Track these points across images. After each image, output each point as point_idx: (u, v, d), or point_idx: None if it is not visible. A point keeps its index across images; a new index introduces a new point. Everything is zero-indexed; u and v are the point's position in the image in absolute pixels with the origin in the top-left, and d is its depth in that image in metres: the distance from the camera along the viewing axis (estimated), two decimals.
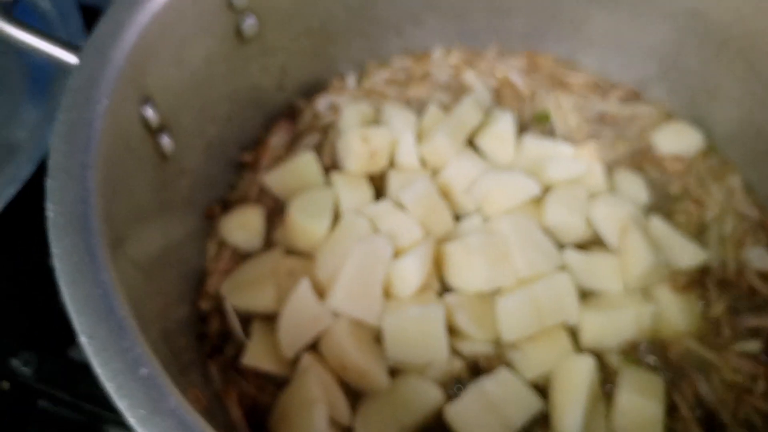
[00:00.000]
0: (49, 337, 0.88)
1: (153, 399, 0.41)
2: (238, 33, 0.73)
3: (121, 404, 0.41)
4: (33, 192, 0.81)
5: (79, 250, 0.47)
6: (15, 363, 0.80)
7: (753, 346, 0.72)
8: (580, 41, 0.90)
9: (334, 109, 0.88)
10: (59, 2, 0.99)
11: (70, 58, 0.60)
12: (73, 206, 0.49)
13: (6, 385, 0.84)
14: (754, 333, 0.73)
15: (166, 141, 0.66)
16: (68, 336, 0.88)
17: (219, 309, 0.73)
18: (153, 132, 0.63)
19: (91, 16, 0.96)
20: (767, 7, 0.72)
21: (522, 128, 0.86)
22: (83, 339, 0.43)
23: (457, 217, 0.78)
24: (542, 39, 0.92)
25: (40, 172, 0.82)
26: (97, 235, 0.48)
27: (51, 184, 0.50)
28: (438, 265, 0.73)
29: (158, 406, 0.41)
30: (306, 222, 0.75)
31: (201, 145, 0.74)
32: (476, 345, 0.69)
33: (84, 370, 0.79)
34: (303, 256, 0.75)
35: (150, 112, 0.62)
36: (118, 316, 0.44)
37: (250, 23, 0.73)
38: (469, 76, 0.90)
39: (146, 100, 0.61)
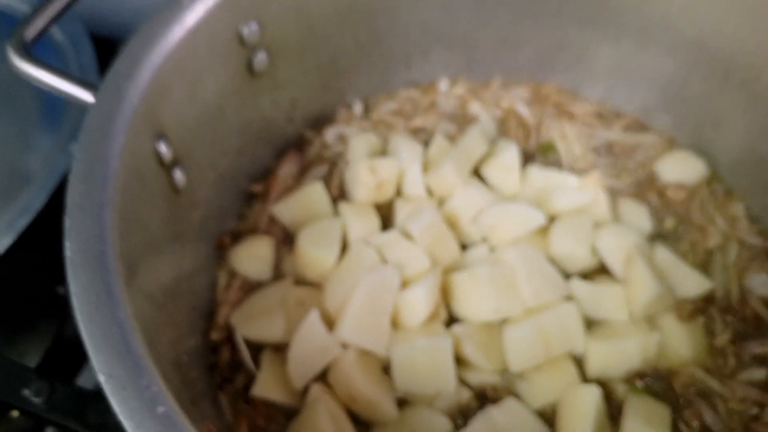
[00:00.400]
0: (59, 365, 0.89)
1: None
2: (250, 68, 0.75)
3: None
4: (44, 221, 0.83)
5: (96, 288, 0.48)
6: (27, 393, 0.81)
7: (759, 374, 0.72)
8: (585, 72, 0.92)
9: (342, 139, 0.90)
10: (72, 34, 1.01)
11: (86, 96, 0.61)
12: (91, 244, 0.50)
13: (15, 413, 0.85)
14: (760, 361, 0.73)
15: (178, 175, 0.67)
16: (77, 364, 0.89)
17: (229, 339, 0.74)
18: (166, 167, 0.65)
19: (102, 47, 0.98)
20: None
21: (527, 158, 0.87)
22: (102, 378, 0.44)
23: (464, 247, 0.79)
24: (547, 70, 0.94)
25: (52, 201, 0.84)
26: (114, 272, 0.50)
27: (69, 222, 0.51)
28: (445, 295, 0.74)
29: None
30: (315, 252, 0.76)
31: (212, 177, 0.76)
32: (484, 375, 0.70)
33: (94, 399, 0.80)
34: (312, 286, 0.76)
35: (164, 148, 0.63)
36: (136, 354, 0.45)
37: (261, 58, 0.75)
38: (475, 107, 0.92)
39: (160, 136, 0.63)
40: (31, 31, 0.66)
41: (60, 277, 0.96)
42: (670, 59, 0.85)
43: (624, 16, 0.83)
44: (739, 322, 0.76)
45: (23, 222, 0.82)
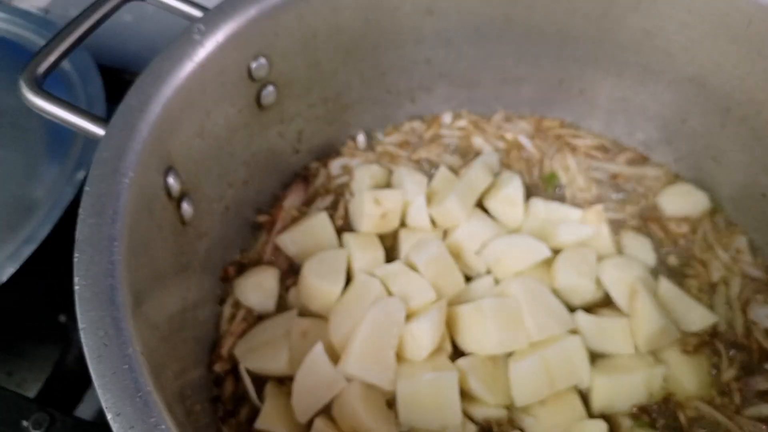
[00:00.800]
0: (59, 394, 0.88)
1: None
2: (258, 102, 0.76)
3: None
4: (48, 251, 0.83)
5: (105, 324, 0.48)
6: (26, 424, 0.80)
7: (766, 410, 0.72)
8: (587, 107, 0.93)
9: (347, 171, 0.90)
10: (80, 64, 1.02)
11: (97, 130, 0.62)
12: (100, 280, 0.50)
13: None
14: (766, 396, 0.73)
15: (186, 207, 0.68)
16: (78, 393, 0.89)
17: (233, 372, 0.74)
18: (174, 199, 0.65)
19: (110, 77, 1.00)
20: None
21: (531, 190, 0.88)
22: (110, 416, 0.44)
23: (468, 278, 0.79)
24: (549, 105, 0.95)
25: (56, 230, 0.84)
26: (123, 308, 0.50)
27: (79, 257, 0.51)
28: (450, 328, 0.74)
29: None
30: (320, 284, 0.76)
31: (219, 209, 0.76)
32: (489, 410, 0.70)
33: (93, 430, 0.79)
34: (317, 317, 0.76)
35: (172, 181, 0.64)
36: (144, 392, 0.45)
37: (268, 92, 0.76)
38: (478, 140, 0.93)
39: (169, 169, 0.63)
40: (43, 66, 0.67)
41: (62, 305, 0.95)
42: (670, 95, 0.86)
43: (625, 53, 0.84)
44: (745, 356, 0.76)
45: (27, 251, 0.82)
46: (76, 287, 0.50)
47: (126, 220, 0.55)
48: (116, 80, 0.98)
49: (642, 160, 0.93)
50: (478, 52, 0.88)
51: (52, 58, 0.67)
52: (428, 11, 0.82)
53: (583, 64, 0.88)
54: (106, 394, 0.45)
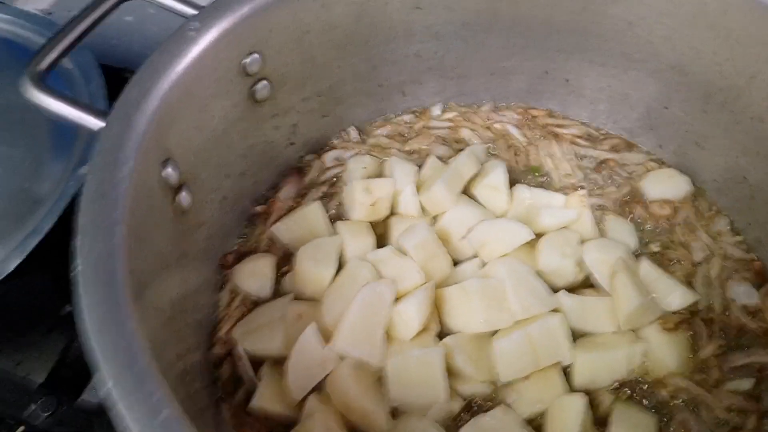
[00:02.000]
0: (64, 382, 0.91)
1: None
2: (252, 96, 0.79)
3: None
4: (53, 244, 0.86)
5: (106, 301, 0.51)
6: (33, 408, 0.83)
7: (745, 384, 0.75)
8: (573, 96, 0.96)
9: (341, 163, 0.93)
10: (82, 63, 1.05)
11: (98, 123, 0.65)
12: (101, 261, 0.53)
13: (20, 430, 0.87)
14: (744, 370, 0.76)
15: (184, 197, 0.71)
16: (83, 381, 0.91)
17: (231, 355, 0.77)
18: (173, 189, 0.68)
19: (111, 75, 1.03)
20: (745, 63, 0.77)
21: (517, 177, 0.91)
22: (109, 384, 0.47)
23: (456, 262, 0.82)
24: (537, 96, 0.98)
25: (60, 223, 0.87)
26: (123, 287, 0.53)
27: (81, 240, 0.54)
28: (437, 308, 0.76)
29: None
30: (313, 269, 0.79)
31: (216, 199, 0.79)
32: (474, 386, 0.72)
33: (99, 414, 0.82)
34: (311, 301, 0.79)
35: (171, 171, 0.67)
36: (142, 362, 0.48)
37: (262, 87, 0.79)
38: (466, 130, 0.96)
39: (167, 160, 0.66)
40: (45, 63, 0.70)
41: (67, 296, 0.98)
42: (653, 83, 0.88)
43: (608, 43, 0.87)
44: (724, 333, 0.78)
45: (33, 243, 0.85)
46: (78, 268, 0.53)
47: (126, 206, 0.58)
48: (118, 78, 1.00)
49: (626, 146, 0.95)
50: (466, 45, 0.91)
51: (53, 56, 0.70)
52: (416, 6, 0.85)
53: (568, 55, 0.91)
54: (106, 364, 0.48)
